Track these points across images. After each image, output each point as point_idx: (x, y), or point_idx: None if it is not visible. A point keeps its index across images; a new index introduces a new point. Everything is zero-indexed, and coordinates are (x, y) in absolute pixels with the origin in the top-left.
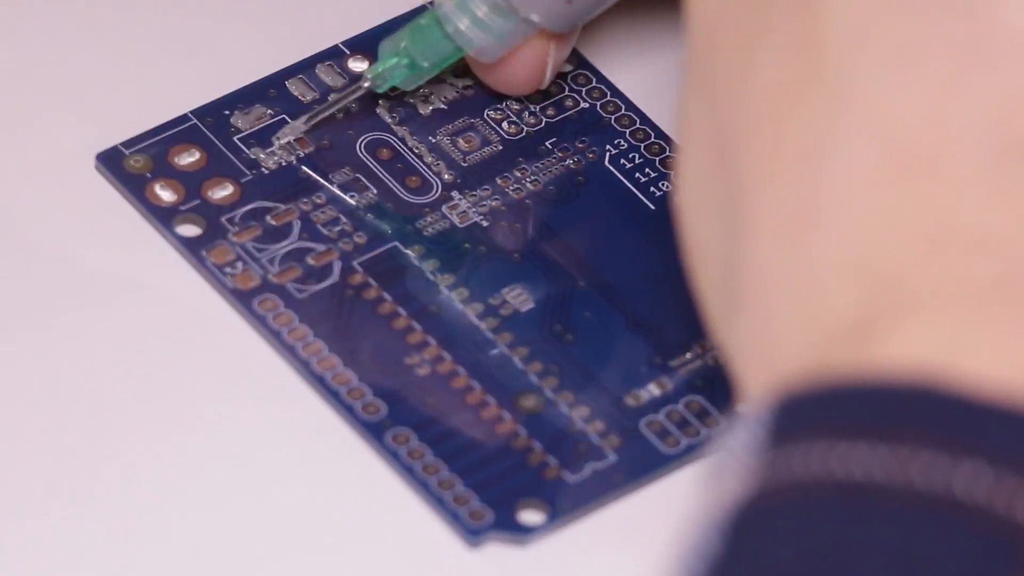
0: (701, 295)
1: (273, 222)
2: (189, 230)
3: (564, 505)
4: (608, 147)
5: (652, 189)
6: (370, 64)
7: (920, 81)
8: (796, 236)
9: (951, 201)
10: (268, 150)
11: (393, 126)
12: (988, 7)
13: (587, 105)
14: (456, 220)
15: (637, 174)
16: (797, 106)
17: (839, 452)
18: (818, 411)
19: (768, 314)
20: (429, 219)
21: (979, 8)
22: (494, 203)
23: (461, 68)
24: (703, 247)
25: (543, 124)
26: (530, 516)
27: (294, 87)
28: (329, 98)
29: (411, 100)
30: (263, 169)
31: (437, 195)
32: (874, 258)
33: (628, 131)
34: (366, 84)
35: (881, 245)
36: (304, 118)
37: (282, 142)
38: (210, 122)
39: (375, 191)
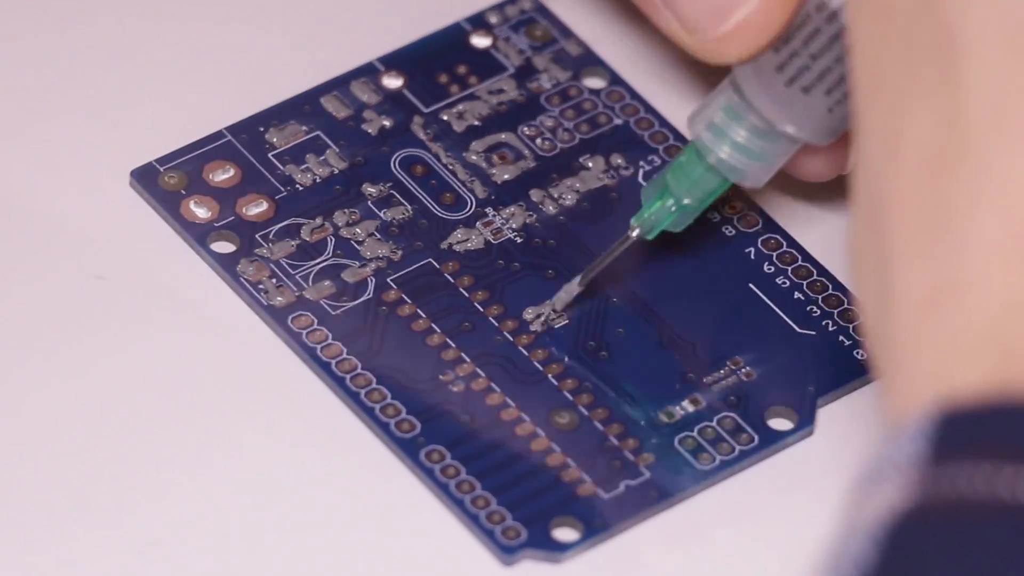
0: (864, 330)
1: (307, 239)
2: (223, 247)
3: (598, 522)
4: (642, 163)
5: None
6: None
7: None
8: (935, 312)
9: None
10: (303, 167)
11: (427, 143)
12: None
13: (621, 122)
14: (490, 236)
15: None
16: (940, 180)
17: (1005, 475)
18: (984, 430)
19: (911, 385)
20: (463, 235)
21: None
22: (528, 219)
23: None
24: (863, 293)
25: (577, 140)
26: (564, 533)
27: (328, 104)
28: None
29: (445, 117)
30: (297, 186)
31: (471, 211)
32: (1005, 332)
33: (662, 147)
34: (635, 233)
35: (1010, 320)
36: (578, 278)
37: (559, 308)
38: (245, 138)
39: (409, 207)
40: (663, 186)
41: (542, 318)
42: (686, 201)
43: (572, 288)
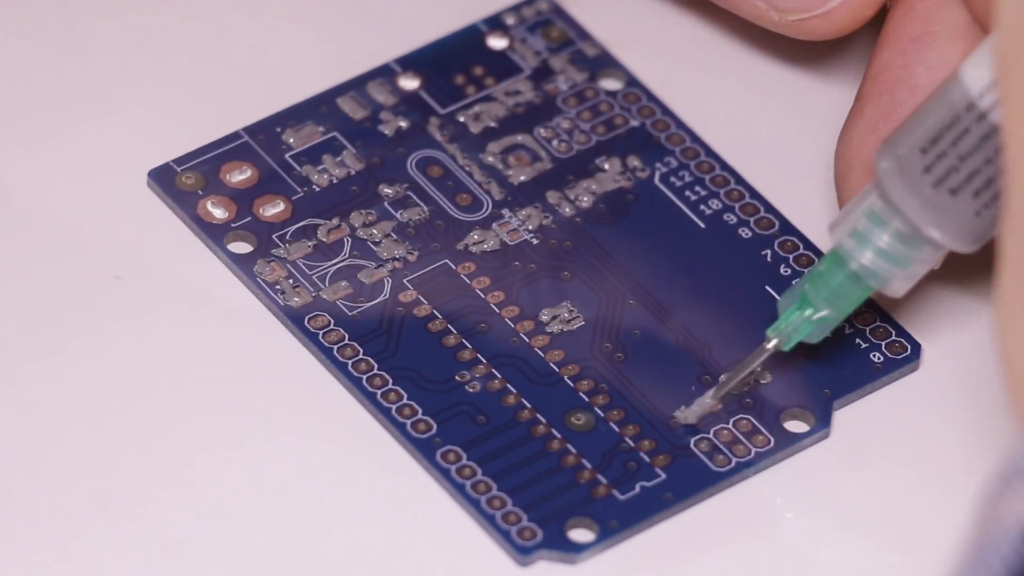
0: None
1: (324, 239)
2: (240, 247)
3: (614, 523)
4: (658, 165)
5: (702, 207)
6: (419, 80)
7: None
8: None
9: None
10: (319, 168)
11: (444, 144)
12: None
13: (637, 123)
14: (506, 238)
15: (687, 192)
16: None
17: None
18: None
19: None
20: (479, 237)
21: None
22: (544, 221)
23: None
24: (1015, 350)
25: (593, 142)
26: (580, 534)
27: (345, 105)
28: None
29: (462, 119)
30: (314, 186)
31: (487, 213)
32: None
33: (678, 149)
34: (771, 344)
35: None
36: (711, 392)
37: (692, 420)
38: (262, 139)
39: (426, 208)
40: (801, 295)
41: (679, 420)
42: (824, 312)
43: (705, 402)
